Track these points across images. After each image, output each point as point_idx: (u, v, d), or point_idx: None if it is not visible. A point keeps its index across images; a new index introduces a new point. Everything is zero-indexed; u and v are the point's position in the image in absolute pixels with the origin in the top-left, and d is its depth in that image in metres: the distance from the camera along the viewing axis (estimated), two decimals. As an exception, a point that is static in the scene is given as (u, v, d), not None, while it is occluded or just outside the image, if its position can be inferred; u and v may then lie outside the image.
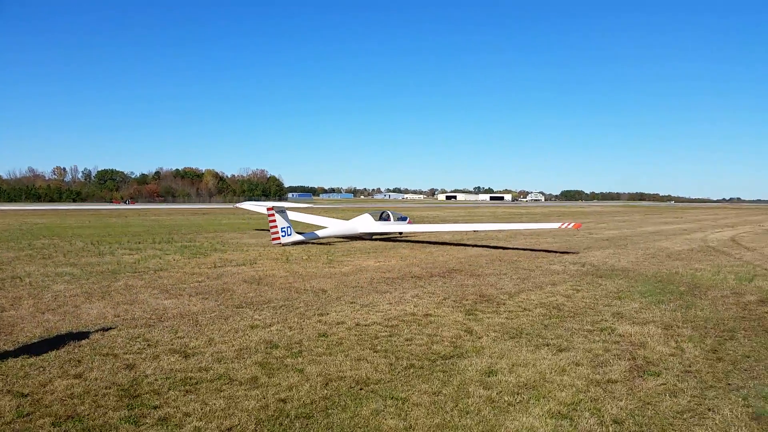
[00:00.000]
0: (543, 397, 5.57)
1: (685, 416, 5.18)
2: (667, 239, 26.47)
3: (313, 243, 21.40)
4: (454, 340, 7.70)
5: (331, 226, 24.25)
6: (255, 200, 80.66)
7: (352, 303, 10.17)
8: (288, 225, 20.52)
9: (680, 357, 7.02)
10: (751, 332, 8.30)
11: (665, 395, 5.68)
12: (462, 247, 20.88)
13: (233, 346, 7.23)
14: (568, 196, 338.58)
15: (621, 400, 5.52)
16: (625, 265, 16.10)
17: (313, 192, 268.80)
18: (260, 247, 19.85)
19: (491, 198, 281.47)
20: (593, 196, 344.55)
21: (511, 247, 21.26)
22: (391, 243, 22.21)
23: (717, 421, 5.06)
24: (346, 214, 36.03)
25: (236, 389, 5.68)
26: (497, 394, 5.66)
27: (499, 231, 29.26)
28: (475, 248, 20.51)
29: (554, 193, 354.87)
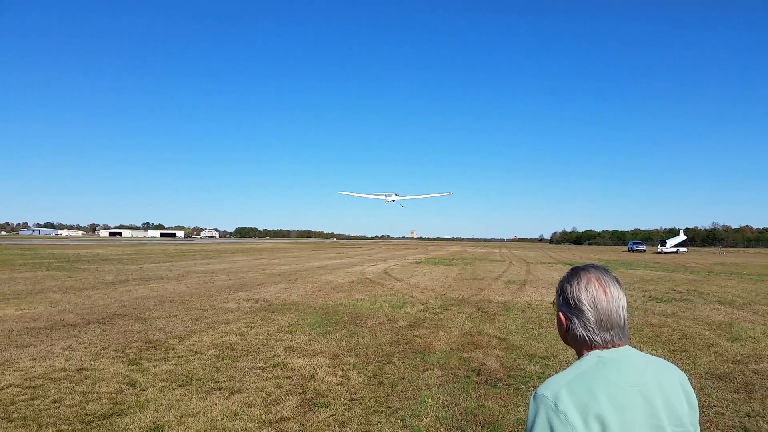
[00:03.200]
0: (214, 449, 5.18)
1: (352, 445, 5.38)
2: (331, 273, 28.66)
3: None
4: (114, 395, 6.74)
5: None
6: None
7: (-22, 364, 8.18)
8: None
9: (347, 385, 7.40)
10: (404, 355, 9.31)
11: (335, 426, 5.84)
12: (126, 289, 19.04)
13: None
14: (243, 232, 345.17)
15: (294, 438, 5.47)
16: (296, 299, 16.74)
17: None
18: None
19: (162, 235, 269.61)
20: (266, 233, 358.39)
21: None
22: (43, 285, 18.89)
23: (380, 445, 5.37)
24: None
25: None
26: (163, 453, 5.06)
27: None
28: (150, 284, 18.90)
29: (229, 230, 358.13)
